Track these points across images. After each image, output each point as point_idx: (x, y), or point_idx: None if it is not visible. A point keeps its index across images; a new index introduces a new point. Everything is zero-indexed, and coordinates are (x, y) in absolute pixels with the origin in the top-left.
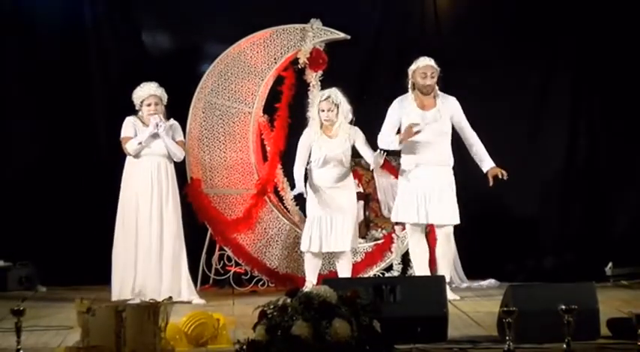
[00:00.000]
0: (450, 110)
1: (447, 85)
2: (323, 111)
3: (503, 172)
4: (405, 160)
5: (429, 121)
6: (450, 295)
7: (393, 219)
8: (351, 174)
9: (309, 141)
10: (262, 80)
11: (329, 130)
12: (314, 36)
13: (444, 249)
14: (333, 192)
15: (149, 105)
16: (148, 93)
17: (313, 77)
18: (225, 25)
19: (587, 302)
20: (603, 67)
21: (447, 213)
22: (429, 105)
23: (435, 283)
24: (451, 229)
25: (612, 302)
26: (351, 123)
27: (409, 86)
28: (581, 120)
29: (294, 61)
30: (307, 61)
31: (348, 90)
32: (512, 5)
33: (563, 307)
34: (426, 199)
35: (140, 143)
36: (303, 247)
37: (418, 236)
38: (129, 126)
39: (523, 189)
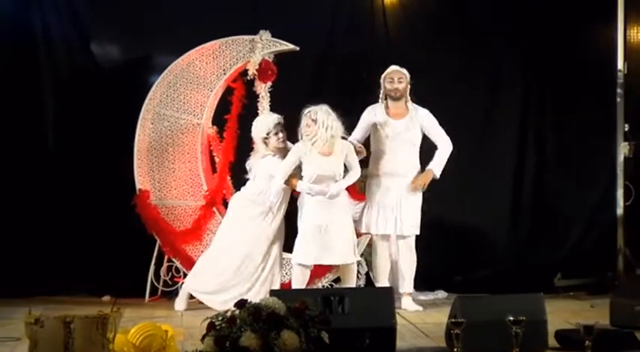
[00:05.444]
0: (420, 121)
1: None
2: (308, 126)
3: (417, 185)
4: (372, 169)
5: (400, 131)
6: (413, 306)
7: (363, 230)
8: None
9: (298, 155)
10: (211, 91)
11: (319, 148)
12: (263, 47)
13: (408, 259)
14: (328, 203)
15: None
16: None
17: (262, 88)
18: (175, 36)
19: (535, 314)
20: (552, 75)
21: (408, 224)
22: (400, 115)
23: (383, 294)
24: (413, 240)
25: (560, 313)
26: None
27: (380, 96)
28: (530, 129)
29: (244, 73)
30: (256, 72)
31: (298, 102)
32: (463, 14)
33: (512, 318)
34: (391, 209)
35: None
36: (299, 259)
37: (383, 246)
38: None
39: (472, 199)
